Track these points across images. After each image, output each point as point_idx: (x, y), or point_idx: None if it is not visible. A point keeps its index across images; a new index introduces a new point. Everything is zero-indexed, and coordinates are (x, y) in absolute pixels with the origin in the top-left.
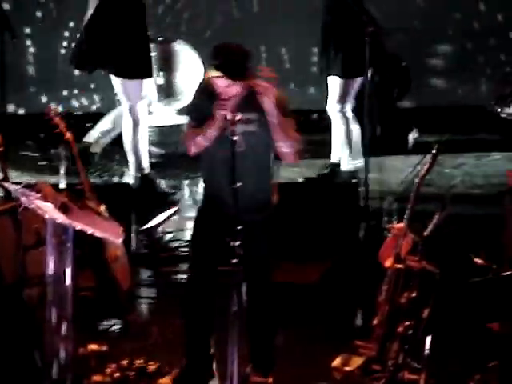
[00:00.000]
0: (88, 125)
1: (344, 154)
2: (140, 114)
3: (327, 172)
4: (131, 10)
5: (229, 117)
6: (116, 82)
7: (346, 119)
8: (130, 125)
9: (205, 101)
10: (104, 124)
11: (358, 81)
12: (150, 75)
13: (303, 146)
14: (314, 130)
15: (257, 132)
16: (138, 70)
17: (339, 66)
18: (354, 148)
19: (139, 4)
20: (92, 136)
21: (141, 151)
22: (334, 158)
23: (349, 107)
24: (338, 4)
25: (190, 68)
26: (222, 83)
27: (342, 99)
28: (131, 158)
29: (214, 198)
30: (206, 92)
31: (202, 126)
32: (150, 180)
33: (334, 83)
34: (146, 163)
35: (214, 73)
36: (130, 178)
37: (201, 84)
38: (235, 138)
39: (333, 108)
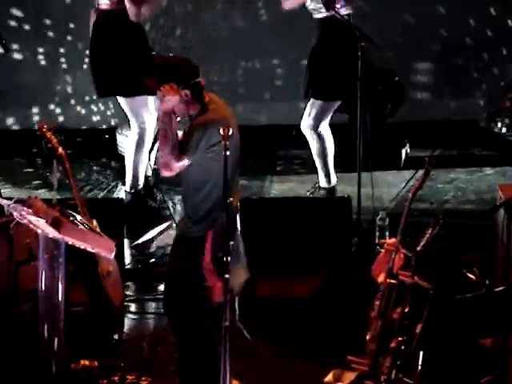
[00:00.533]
0: (78, 139)
1: (320, 171)
2: (147, 134)
3: (314, 192)
4: (127, 28)
5: None
6: (122, 101)
7: (320, 137)
8: (134, 142)
9: None
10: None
11: (337, 103)
12: (152, 93)
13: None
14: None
15: None
16: (141, 86)
17: (322, 89)
18: (329, 165)
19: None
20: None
21: (139, 169)
22: (321, 183)
23: (324, 125)
24: (331, 23)
25: None
26: None
27: (319, 119)
28: (129, 174)
29: None
30: None
31: None
32: (142, 196)
33: (314, 103)
34: (141, 180)
35: None
36: (122, 193)
37: None
38: None
39: (306, 126)
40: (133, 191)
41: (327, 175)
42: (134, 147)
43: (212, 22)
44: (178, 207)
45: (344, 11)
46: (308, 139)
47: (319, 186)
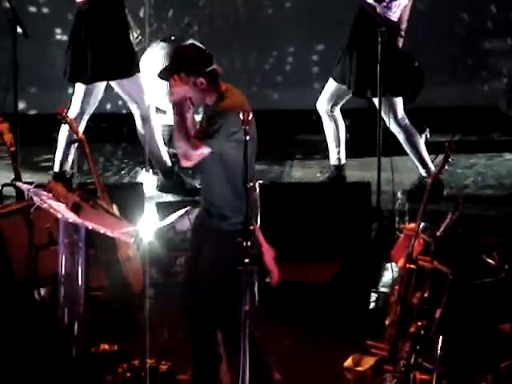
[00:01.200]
0: (103, 125)
1: (332, 150)
2: (149, 111)
3: (329, 175)
4: (109, 11)
5: None
6: (115, 86)
7: (334, 118)
8: (140, 125)
9: None
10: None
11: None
12: (135, 72)
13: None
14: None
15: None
16: (123, 69)
17: (353, 79)
18: (341, 144)
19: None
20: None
21: (159, 147)
22: (332, 161)
23: (337, 109)
24: (362, 15)
25: None
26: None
27: (334, 103)
28: (152, 156)
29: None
30: None
31: None
32: (175, 173)
33: (332, 86)
34: (166, 157)
35: None
36: (142, 177)
37: None
38: None
39: (322, 107)
40: (163, 170)
41: (339, 152)
42: (142, 132)
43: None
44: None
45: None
46: (323, 118)
47: (329, 166)
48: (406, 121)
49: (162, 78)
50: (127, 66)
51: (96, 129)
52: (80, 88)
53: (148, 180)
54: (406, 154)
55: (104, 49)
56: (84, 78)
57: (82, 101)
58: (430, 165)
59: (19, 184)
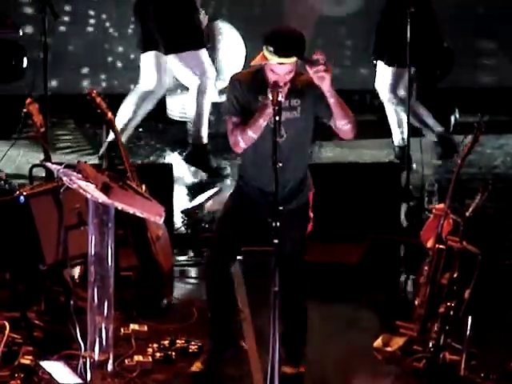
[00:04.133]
0: None
1: (395, 131)
2: (208, 86)
3: (397, 155)
4: None
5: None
6: (173, 61)
7: (397, 100)
8: (196, 93)
9: (250, 92)
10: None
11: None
12: (202, 46)
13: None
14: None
15: (300, 118)
16: (190, 41)
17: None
18: (403, 124)
19: None
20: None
21: (203, 120)
22: (396, 142)
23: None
24: None
25: (232, 47)
26: (282, 70)
27: (393, 87)
28: (192, 124)
29: (252, 185)
30: (252, 82)
31: (246, 120)
32: (206, 151)
33: (384, 69)
34: (204, 133)
35: (274, 58)
36: (171, 157)
37: (238, 79)
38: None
39: (382, 87)
40: (193, 142)
41: (402, 132)
42: (196, 97)
43: None
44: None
45: None
46: (383, 100)
47: (394, 146)
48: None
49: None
50: (193, 39)
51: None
52: (150, 60)
53: (177, 160)
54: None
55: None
56: (158, 48)
57: (156, 71)
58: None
59: (49, 164)
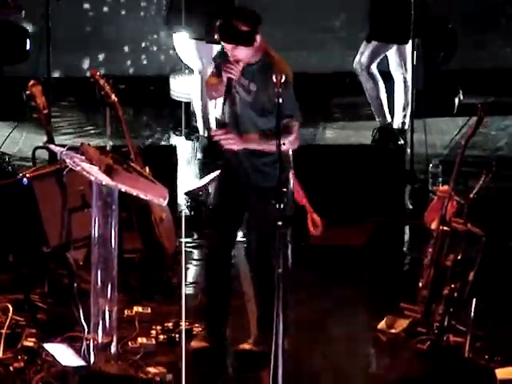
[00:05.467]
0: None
1: (376, 112)
2: None
3: (376, 136)
4: None
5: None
6: (190, 44)
7: (372, 76)
8: (199, 86)
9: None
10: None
11: (392, 45)
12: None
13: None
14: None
15: (251, 103)
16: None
17: (380, 30)
18: (383, 104)
19: None
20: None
21: (209, 111)
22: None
23: (374, 66)
24: None
25: None
26: (227, 46)
27: (372, 60)
28: (199, 119)
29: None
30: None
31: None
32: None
33: (369, 44)
34: (213, 123)
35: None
36: (174, 139)
37: None
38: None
39: (359, 65)
40: (206, 135)
41: (382, 115)
42: (199, 94)
43: None
44: None
45: None
46: (361, 79)
47: (377, 128)
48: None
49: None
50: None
51: (128, 91)
52: (193, 45)
53: (181, 143)
54: (439, 115)
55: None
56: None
57: (198, 56)
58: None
59: (52, 146)
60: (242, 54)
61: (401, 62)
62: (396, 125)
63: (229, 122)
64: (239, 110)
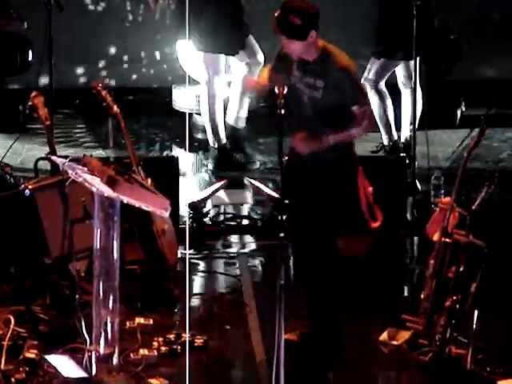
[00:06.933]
0: (130, 98)
1: (382, 129)
2: (217, 86)
3: (378, 151)
4: None
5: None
6: (197, 56)
7: (380, 94)
8: (206, 98)
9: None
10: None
11: (399, 62)
12: (235, 53)
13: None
14: None
15: (321, 100)
16: (226, 45)
17: (389, 47)
18: (390, 122)
19: None
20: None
21: (218, 122)
22: (384, 140)
23: (383, 83)
24: None
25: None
26: (282, 39)
27: (380, 76)
28: (208, 129)
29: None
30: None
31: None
32: (227, 150)
33: (375, 60)
34: (222, 134)
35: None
36: (177, 151)
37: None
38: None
39: (367, 81)
40: (216, 146)
41: (388, 132)
42: (206, 103)
43: None
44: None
45: None
46: (369, 96)
47: (382, 144)
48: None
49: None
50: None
51: (130, 102)
52: (200, 56)
53: (183, 154)
54: (441, 127)
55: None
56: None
57: (205, 67)
58: (393, 132)
59: (54, 158)
60: (296, 47)
61: (409, 75)
62: (403, 138)
63: (297, 124)
64: (309, 111)
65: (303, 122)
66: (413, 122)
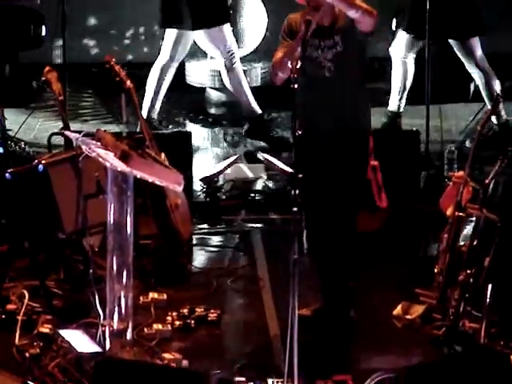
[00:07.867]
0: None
1: (394, 94)
2: (235, 61)
3: (387, 121)
4: None
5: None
6: (200, 37)
7: (405, 65)
8: (225, 74)
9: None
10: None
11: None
12: (227, 20)
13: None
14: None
15: (344, 52)
16: (215, 16)
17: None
18: (405, 90)
19: None
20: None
21: (247, 95)
22: (391, 106)
23: (411, 57)
24: None
25: (254, 16)
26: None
27: (407, 50)
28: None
29: (309, 125)
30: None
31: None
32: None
33: (404, 36)
34: (255, 105)
35: None
36: (190, 126)
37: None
38: (325, 64)
39: (396, 52)
40: (253, 118)
41: (400, 99)
42: (226, 79)
43: None
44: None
45: None
46: (394, 63)
47: (387, 111)
48: (486, 63)
49: None
50: (220, 14)
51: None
52: (171, 35)
53: (196, 129)
54: (455, 101)
55: None
56: (182, 25)
57: (172, 48)
58: (503, 112)
59: (67, 133)
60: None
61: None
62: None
63: (312, 95)
64: (330, 72)
65: (323, 87)
66: (426, 95)
